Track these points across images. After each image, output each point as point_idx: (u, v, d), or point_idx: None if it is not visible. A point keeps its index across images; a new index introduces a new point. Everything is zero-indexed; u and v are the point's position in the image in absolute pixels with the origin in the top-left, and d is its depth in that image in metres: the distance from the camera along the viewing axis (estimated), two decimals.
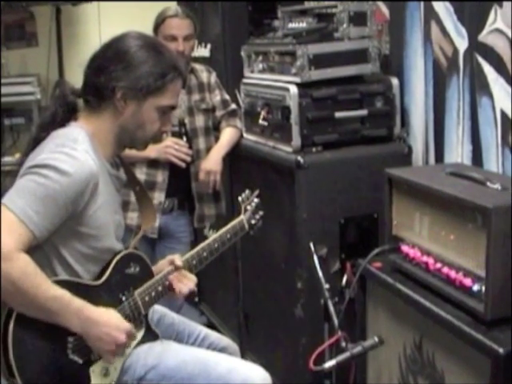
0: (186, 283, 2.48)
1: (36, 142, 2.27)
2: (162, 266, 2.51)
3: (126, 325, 2.20)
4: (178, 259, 2.50)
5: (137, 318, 2.33)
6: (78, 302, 2.11)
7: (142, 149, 2.50)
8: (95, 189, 2.18)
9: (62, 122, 2.30)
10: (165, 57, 2.31)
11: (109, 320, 2.16)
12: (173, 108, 2.38)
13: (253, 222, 2.81)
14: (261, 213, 2.85)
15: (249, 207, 2.81)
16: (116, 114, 2.28)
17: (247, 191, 2.87)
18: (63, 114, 2.31)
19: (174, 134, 3.65)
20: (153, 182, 3.64)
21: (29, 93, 4.84)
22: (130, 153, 3.23)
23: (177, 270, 2.48)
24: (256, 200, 2.86)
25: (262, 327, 3.86)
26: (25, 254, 2.02)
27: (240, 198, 2.82)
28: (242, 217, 2.78)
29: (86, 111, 2.32)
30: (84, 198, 2.14)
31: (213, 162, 3.70)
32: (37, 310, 2.05)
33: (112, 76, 2.24)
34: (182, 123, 3.60)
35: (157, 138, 2.44)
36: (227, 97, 3.92)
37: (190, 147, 3.65)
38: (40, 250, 2.12)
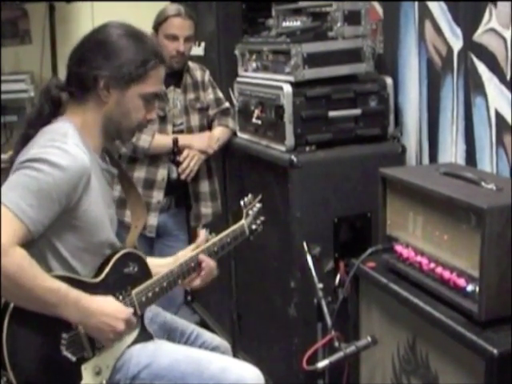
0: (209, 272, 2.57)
1: (25, 139, 2.26)
2: (182, 255, 2.58)
3: (124, 312, 2.20)
4: (204, 234, 2.59)
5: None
6: (75, 293, 2.10)
7: (129, 139, 2.50)
8: (88, 182, 2.17)
9: (49, 117, 2.29)
10: (146, 44, 2.30)
11: (107, 309, 2.16)
12: (157, 95, 2.37)
13: (253, 227, 2.76)
14: (262, 218, 2.81)
15: (250, 212, 2.77)
16: (100, 104, 2.27)
17: (250, 195, 2.82)
18: (49, 109, 2.30)
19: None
20: (152, 180, 3.65)
21: (22, 90, 4.84)
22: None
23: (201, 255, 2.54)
24: (258, 205, 2.81)
25: (254, 326, 3.85)
26: (20, 248, 2.01)
27: (242, 203, 2.78)
28: (243, 221, 2.73)
29: (72, 104, 2.30)
30: (77, 192, 2.13)
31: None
32: (34, 303, 2.05)
33: (93, 65, 2.23)
34: (175, 142, 3.57)
35: (142, 127, 2.43)
36: (220, 95, 3.91)
37: (179, 165, 3.64)
38: (34, 246, 2.11)
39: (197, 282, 2.56)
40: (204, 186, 3.82)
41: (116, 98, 2.26)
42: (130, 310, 2.24)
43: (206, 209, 3.85)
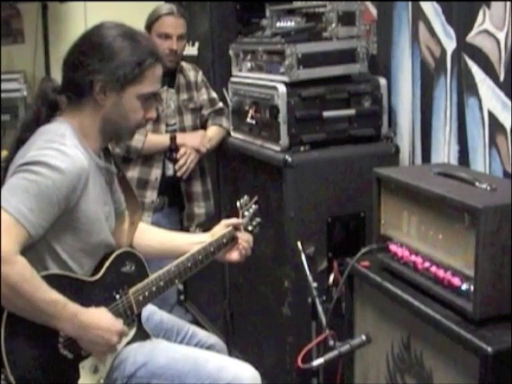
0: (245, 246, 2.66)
1: (20, 142, 2.25)
2: (217, 230, 2.64)
3: (118, 326, 2.21)
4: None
5: (129, 316, 2.33)
6: (73, 307, 2.11)
7: (129, 139, 2.50)
8: (86, 183, 2.17)
9: (46, 121, 2.28)
10: (141, 44, 2.28)
11: (102, 323, 2.16)
12: (154, 94, 2.37)
13: (250, 228, 2.77)
14: (258, 219, 2.81)
15: (247, 213, 2.77)
16: (98, 108, 2.26)
17: (246, 197, 2.82)
18: (46, 112, 2.29)
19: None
20: (146, 180, 3.66)
21: (15, 90, 4.82)
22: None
23: (237, 230, 2.63)
24: (254, 206, 2.82)
25: (248, 326, 3.86)
26: (23, 257, 2.01)
27: (238, 204, 2.78)
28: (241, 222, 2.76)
29: (69, 107, 2.30)
30: (76, 193, 2.13)
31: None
32: (32, 313, 2.05)
33: (89, 70, 2.21)
34: (172, 139, 3.58)
35: (142, 126, 2.43)
36: (214, 95, 3.93)
37: (176, 162, 3.65)
38: (32, 248, 2.11)
39: (235, 256, 2.67)
40: (197, 186, 3.84)
41: (113, 100, 2.25)
42: (121, 322, 2.25)
43: (199, 209, 3.86)
